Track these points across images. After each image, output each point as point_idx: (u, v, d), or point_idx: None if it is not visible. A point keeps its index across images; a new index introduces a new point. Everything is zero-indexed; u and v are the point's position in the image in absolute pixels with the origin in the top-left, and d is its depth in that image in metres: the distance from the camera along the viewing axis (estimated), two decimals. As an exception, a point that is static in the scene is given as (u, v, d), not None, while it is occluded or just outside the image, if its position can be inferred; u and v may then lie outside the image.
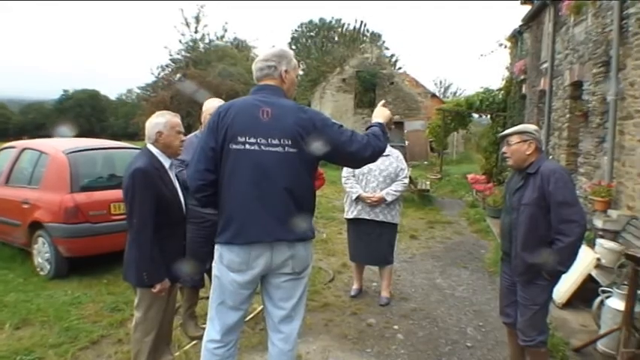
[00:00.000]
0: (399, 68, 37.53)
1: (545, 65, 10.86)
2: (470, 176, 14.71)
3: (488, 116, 16.63)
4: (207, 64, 22.04)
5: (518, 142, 3.53)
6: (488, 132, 16.61)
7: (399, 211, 5.70)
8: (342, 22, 40.54)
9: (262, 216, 2.76)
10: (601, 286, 4.86)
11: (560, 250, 3.28)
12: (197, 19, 22.05)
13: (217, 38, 23.33)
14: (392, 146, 5.39)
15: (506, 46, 14.79)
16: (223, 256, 2.86)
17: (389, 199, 5.48)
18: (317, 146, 2.78)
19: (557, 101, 10.02)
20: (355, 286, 5.96)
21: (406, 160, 6.01)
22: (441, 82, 45.77)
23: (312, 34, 41.52)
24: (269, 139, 2.75)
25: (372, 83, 26.39)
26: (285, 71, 2.97)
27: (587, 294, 5.18)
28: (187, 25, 21.92)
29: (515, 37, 14.27)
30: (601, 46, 7.28)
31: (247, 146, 2.76)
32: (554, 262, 3.32)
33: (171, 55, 22.89)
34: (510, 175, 3.89)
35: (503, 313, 3.84)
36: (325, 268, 6.92)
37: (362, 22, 40.12)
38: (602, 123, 7.18)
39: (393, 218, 5.60)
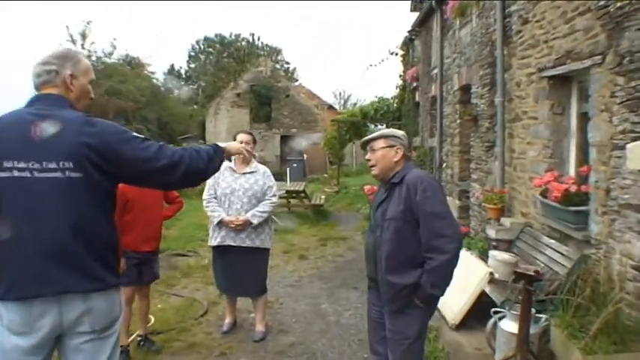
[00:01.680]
0: (297, 81, 37.27)
1: (435, 71, 10.61)
2: (366, 187, 14.30)
3: (384, 125, 16.40)
4: (94, 82, 20.43)
5: (384, 148, 2.99)
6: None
7: (269, 234, 5.00)
8: (241, 37, 39.80)
9: (40, 263, 2.16)
10: (495, 305, 4.35)
11: (433, 271, 2.72)
12: (83, 36, 20.42)
13: (105, 55, 21.72)
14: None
15: (397, 54, 14.58)
16: (2, 316, 2.21)
17: (255, 221, 4.76)
18: (111, 167, 2.23)
19: (448, 107, 9.76)
20: (227, 320, 5.17)
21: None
22: (340, 94, 45.85)
23: (210, 50, 40.44)
24: (43, 163, 2.16)
25: (268, 97, 25.84)
26: (71, 76, 2.39)
27: (483, 311, 4.64)
28: (73, 42, 20.23)
29: (407, 44, 14.09)
30: (486, 47, 6.96)
31: (16, 173, 2.16)
32: (426, 285, 2.75)
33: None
34: (377, 188, 3.30)
35: (373, 350, 3.24)
36: (200, 300, 6.06)
37: (254, 35, 39.42)
38: (492, 127, 6.83)
39: (262, 243, 4.88)
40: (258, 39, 39.56)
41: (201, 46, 41.05)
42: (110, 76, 20.61)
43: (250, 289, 4.96)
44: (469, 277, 4.93)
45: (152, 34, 68.26)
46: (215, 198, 4.91)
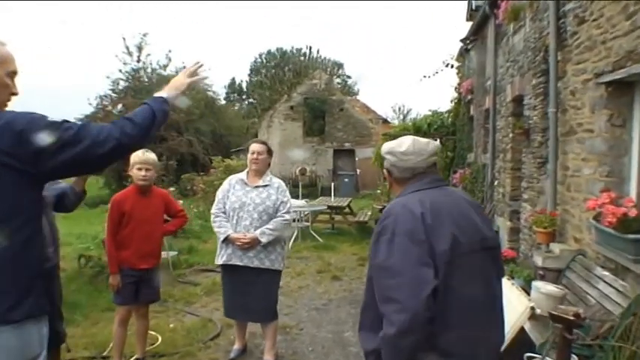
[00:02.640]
0: (356, 95, 36.85)
1: (489, 82, 9.91)
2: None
3: (437, 140, 15.66)
4: (148, 93, 20.83)
5: (386, 170, 2.45)
6: (438, 156, 15.59)
7: (281, 254, 4.53)
8: (303, 51, 39.80)
9: None
10: (533, 346, 3.70)
11: (382, 343, 2.00)
12: (139, 48, 20.90)
13: (160, 67, 22.09)
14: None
15: (452, 66, 13.88)
16: None
17: (264, 239, 4.32)
18: (27, 159, 1.84)
19: (501, 120, 9.04)
20: (236, 346, 4.75)
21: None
22: (399, 109, 44.90)
23: (271, 64, 40.68)
24: None
25: (321, 110, 25.48)
26: None
27: (523, 350, 4.00)
28: (129, 53, 20.72)
29: (462, 55, 13.41)
30: (539, 53, 6.27)
31: None
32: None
33: (112, 85, 21.58)
34: None
35: None
36: (216, 320, 5.64)
37: (312, 49, 39.26)
38: (544, 141, 6.12)
39: (272, 263, 4.42)
40: (317, 52, 39.50)
41: (263, 60, 41.41)
42: (161, 87, 20.76)
43: (259, 314, 4.50)
44: (508, 311, 4.27)
45: (212, 47, 69.51)
46: (224, 213, 4.49)
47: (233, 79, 43.71)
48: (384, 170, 2.45)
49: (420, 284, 1.93)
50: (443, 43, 70.15)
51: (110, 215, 4.21)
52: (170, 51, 23.26)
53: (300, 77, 29.00)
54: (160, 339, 5.04)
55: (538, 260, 5.08)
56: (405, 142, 2.35)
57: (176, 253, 8.24)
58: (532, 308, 4.16)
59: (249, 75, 42.68)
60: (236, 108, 39.47)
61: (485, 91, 10.58)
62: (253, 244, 4.30)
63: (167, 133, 19.81)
